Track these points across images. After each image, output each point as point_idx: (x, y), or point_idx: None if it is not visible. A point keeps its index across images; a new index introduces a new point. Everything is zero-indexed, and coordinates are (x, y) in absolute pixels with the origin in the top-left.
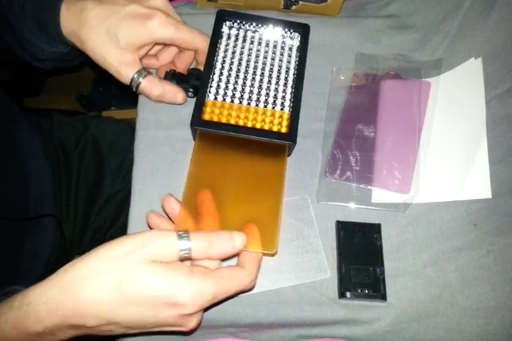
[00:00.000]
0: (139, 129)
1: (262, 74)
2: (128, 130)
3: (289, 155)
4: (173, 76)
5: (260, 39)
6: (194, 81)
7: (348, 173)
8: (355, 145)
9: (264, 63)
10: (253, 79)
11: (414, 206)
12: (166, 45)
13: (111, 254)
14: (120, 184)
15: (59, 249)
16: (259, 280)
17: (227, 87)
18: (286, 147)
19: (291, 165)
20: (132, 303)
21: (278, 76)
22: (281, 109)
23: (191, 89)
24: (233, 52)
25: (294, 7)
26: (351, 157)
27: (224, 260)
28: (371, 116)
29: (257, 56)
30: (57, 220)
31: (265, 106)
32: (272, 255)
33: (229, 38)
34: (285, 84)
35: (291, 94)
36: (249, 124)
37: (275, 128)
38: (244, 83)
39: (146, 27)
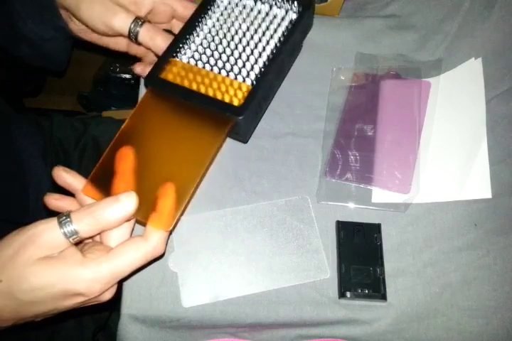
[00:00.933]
0: None
1: (240, 41)
2: None
3: (241, 135)
4: None
5: (253, 6)
6: None
7: (348, 173)
8: (355, 145)
9: (247, 31)
10: (229, 45)
11: (414, 206)
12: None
13: None
14: None
15: None
16: (259, 280)
17: (204, 52)
18: (229, 120)
19: (292, 165)
20: (33, 303)
21: (255, 46)
22: (243, 81)
23: None
24: (221, 17)
25: None
26: (351, 157)
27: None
28: (371, 116)
29: (244, 22)
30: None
31: (227, 75)
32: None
33: (221, 1)
34: (259, 56)
35: (261, 67)
36: (203, 90)
37: (227, 99)
38: (223, 50)
39: None
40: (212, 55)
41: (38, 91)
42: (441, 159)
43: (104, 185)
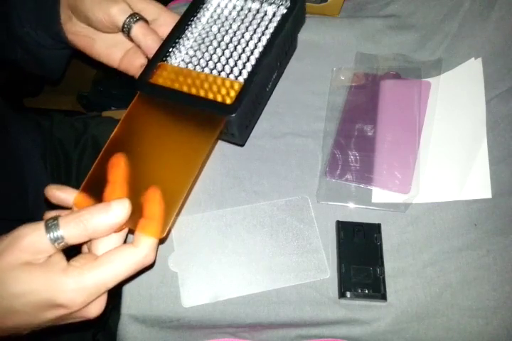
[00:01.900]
0: None
1: (231, 41)
2: None
3: (236, 137)
4: None
5: (243, 4)
6: None
7: (348, 173)
8: (355, 145)
9: (237, 30)
10: (219, 45)
11: (414, 206)
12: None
13: None
14: None
15: None
16: (259, 280)
17: (195, 54)
18: (222, 120)
19: (292, 165)
20: (13, 311)
21: (247, 44)
22: (236, 79)
23: None
24: (211, 18)
25: None
26: (351, 157)
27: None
28: (371, 116)
29: (235, 22)
30: None
31: (219, 74)
32: (161, 240)
33: (211, 3)
34: (251, 53)
35: (252, 64)
36: (194, 92)
37: (219, 98)
38: (213, 50)
39: None
40: (203, 56)
41: (38, 91)
42: (441, 159)
43: (96, 194)
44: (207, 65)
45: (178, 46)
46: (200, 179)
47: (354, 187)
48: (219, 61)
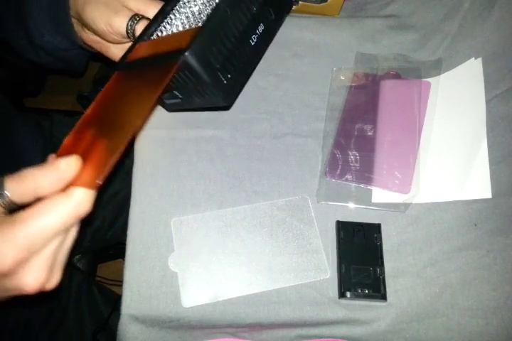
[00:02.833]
0: None
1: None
2: None
3: (211, 86)
4: None
5: None
6: None
7: (348, 173)
8: (355, 145)
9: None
10: (194, 14)
11: (414, 206)
12: None
13: None
14: (120, 184)
15: None
16: (259, 280)
17: (166, 24)
18: (174, 64)
19: (292, 165)
20: None
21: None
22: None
23: None
24: None
25: (294, 7)
26: (351, 157)
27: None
28: (371, 116)
29: None
30: None
31: (182, 29)
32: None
33: None
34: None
35: (213, 7)
36: (158, 52)
37: (176, 48)
38: (183, 13)
39: None
40: (170, 23)
41: (38, 91)
42: (441, 159)
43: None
44: (171, 23)
45: (163, 26)
46: (200, 179)
47: (354, 187)
48: (186, 17)
